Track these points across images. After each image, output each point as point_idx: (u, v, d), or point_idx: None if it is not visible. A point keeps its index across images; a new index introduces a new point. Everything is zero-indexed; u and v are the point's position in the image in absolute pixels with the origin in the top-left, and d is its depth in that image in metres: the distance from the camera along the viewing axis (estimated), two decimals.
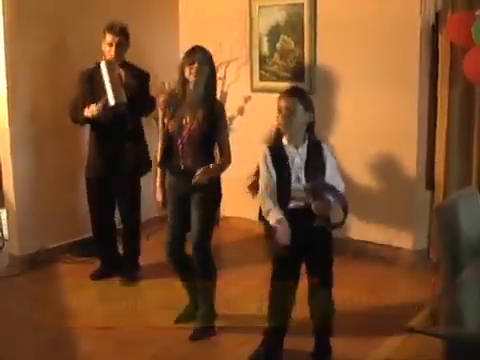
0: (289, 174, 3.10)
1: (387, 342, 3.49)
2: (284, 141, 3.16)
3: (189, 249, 3.66)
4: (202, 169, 3.48)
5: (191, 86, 3.53)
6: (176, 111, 3.59)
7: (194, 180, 3.48)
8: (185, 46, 5.66)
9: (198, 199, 3.59)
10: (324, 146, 3.16)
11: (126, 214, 4.54)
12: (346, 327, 3.62)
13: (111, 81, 4.04)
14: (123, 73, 4.21)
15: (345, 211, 3.04)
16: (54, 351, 3.56)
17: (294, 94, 3.12)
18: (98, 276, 4.55)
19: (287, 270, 3.20)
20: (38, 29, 4.62)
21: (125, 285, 4.42)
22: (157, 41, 5.50)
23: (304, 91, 3.27)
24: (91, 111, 4.15)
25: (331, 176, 3.12)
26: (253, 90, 5.42)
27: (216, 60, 5.39)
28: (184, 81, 3.54)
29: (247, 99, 5.45)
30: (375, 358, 3.39)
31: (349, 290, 4.25)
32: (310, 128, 3.15)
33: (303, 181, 3.09)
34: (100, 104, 4.10)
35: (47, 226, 4.85)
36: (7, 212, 4.82)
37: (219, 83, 5.55)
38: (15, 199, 4.68)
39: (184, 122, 3.56)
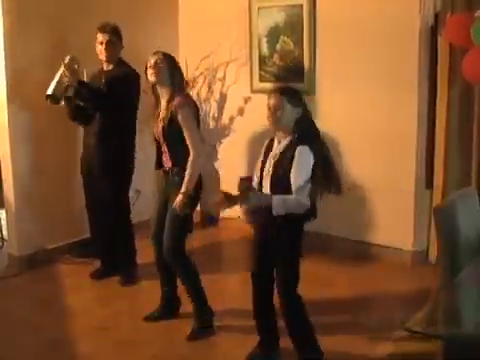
0: (263, 166, 3.19)
1: (385, 342, 3.49)
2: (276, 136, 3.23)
3: None
4: (177, 202, 3.52)
5: (158, 88, 3.62)
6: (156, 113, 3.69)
7: (176, 212, 3.55)
8: (184, 46, 5.74)
9: (174, 200, 3.59)
10: (299, 148, 3.04)
11: (105, 214, 4.49)
12: (345, 327, 3.63)
13: (60, 76, 4.11)
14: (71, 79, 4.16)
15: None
16: (54, 351, 3.56)
17: (280, 92, 3.16)
18: (98, 276, 4.55)
19: (255, 262, 3.30)
20: (38, 29, 4.64)
21: (124, 285, 4.42)
22: (157, 42, 5.49)
23: (291, 89, 3.27)
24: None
25: (292, 182, 3.05)
26: (253, 91, 5.43)
27: (215, 61, 5.47)
28: (152, 85, 3.63)
29: (247, 100, 5.46)
30: (373, 358, 3.40)
31: (347, 290, 4.26)
32: (298, 123, 3.12)
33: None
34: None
35: (46, 227, 4.85)
36: (6, 212, 4.83)
37: (219, 84, 5.58)
38: (14, 199, 4.69)
39: (157, 121, 3.65)
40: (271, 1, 5.19)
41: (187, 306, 3.90)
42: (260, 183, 3.20)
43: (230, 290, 4.17)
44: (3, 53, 4.49)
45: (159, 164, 3.77)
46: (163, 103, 3.63)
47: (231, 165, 5.34)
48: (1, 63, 4.51)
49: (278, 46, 5.22)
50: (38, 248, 4.80)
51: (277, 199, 3.01)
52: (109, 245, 4.60)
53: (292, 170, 3.03)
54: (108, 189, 4.38)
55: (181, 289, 3.89)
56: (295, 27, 5.06)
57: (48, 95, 4.14)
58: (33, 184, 4.77)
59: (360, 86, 4.77)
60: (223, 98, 5.59)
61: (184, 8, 5.80)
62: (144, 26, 5.36)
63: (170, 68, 3.60)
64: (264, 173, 3.17)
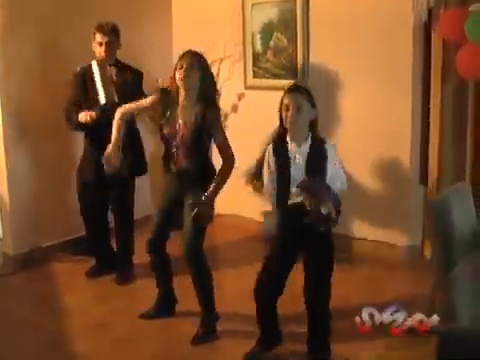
0: (289, 171, 3.10)
1: (382, 338, 3.49)
2: (287, 138, 3.14)
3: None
4: (196, 211, 3.45)
5: (182, 91, 3.55)
6: (171, 114, 3.61)
7: (194, 217, 3.49)
8: (178, 44, 5.73)
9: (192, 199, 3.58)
10: (327, 146, 3.13)
11: (119, 214, 4.51)
12: (340, 324, 3.63)
13: (102, 80, 4.07)
14: (114, 72, 4.19)
15: (337, 210, 3.03)
16: (52, 351, 3.55)
17: (300, 90, 3.14)
18: (93, 274, 4.54)
19: (278, 263, 3.23)
20: (33, 29, 4.61)
21: (120, 284, 4.41)
22: (151, 40, 5.50)
23: (308, 88, 3.26)
24: (89, 116, 4.13)
25: (333, 175, 3.12)
26: (246, 87, 5.42)
27: (209, 58, 5.43)
28: (177, 85, 3.56)
29: (241, 96, 5.45)
30: (370, 354, 3.40)
31: (343, 286, 4.25)
32: (313, 125, 3.14)
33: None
34: (96, 111, 4.12)
35: (41, 225, 4.84)
36: (1, 211, 4.80)
37: None
38: (9, 198, 4.67)
39: (178, 126, 3.58)
40: None
41: (182, 304, 3.92)
42: (284, 191, 3.12)
43: (227, 289, 4.16)
44: None
45: (164, 164, 3.73)
46: (187, 105, 3.55)
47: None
48: None
49: (272, 42, 5.21)
50: (33, 246, 4.79)
51: (340, 193, 3.10)
52: (107, 244, 4.62)
53: (332, 168, 3.09)
54: (128, 190, 4.41)
55: (179, 289, 3.91)
56: (289, 23, 5.05)
57: (104, 104, 4.09)
58: (27, 183, 4.75)
59: (354, 82, 4.77)
60: (218, 94, 5.57)
61: (177, 5, 5.79)
62: (139, 25, 5.34)
63: (201, 73, 3.52)
64: (292, 180, 3.09)
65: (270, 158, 3.18)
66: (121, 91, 4.17)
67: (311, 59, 5.00)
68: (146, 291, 4.13)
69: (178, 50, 5.55)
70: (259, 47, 5.29)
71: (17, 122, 4.64)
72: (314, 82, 4.98)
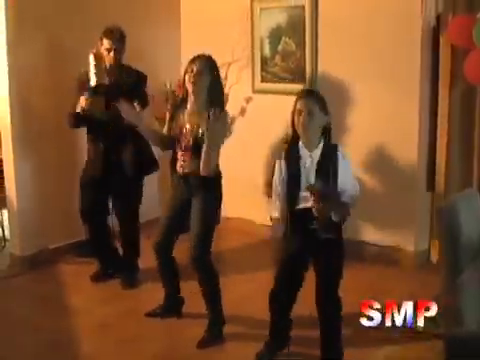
0: (299, 175, 3.10)
1: (388, 342, 3.49)
2: (300, 143, 3.14)
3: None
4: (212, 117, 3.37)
5: (191, 95, 3.54)
6: (179, 117, 3.61)
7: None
8: (186, 47, 5.75)
9: (198, 206, 3.59)
10: (339, 151, 3.11)
11: (124, 215, 4.48)
12: (347, 327, 3.62)
13: (95, 67, 4.00)
14: (108, 64, 4.14)
15: (343, 219, 3.07)
16: (54, 351, 3.56)
17: (312, 96, 3.16)
18: (98, 278, 4.54)
19: (290, 269, 3.22)
20: (39, 32, 4.63)
21: (125, 288, 4.40)
22: (159, 43, 5.52)
23: (320, 93, 3.26)
24: (80, 103, 4.07)
25: (344, 181, 3.08)
26: (254, 91, 5.43)
27: (217, 62, 5.43)
28: (186, 89, 3.55)
29: (248, 100, 5.45)
30: (377, 358, 3.40)
31: (350, 291, 4.24)
32: (326, 131, 3.14)
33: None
34: (86, 93, 4.05)
35: (48, 226, 4.85)
36: (9, 212, 4.84)
37: None
38: (17, 200, 4.69)
39: (184, 130, 3.57)
40: (273, 2, 5.20)
41: (190, 307, 3.92)
42: (295, 195, 3.12)
43: (234, 293, 4.15)
44: (6, 56, 4.49)
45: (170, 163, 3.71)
46: (194, 110, 3.54)
47: (233, 166, 5.36)
48: (4, 67, 4.51)
49: (280, 47, 5.22)
50: (40, 248, 4.81)
51: (350, 200, 3.10)
52: (108, 246, 4.60)
53: (342, 178, 3.05)
54: (135, 189, 4.39)
55: (187, 291, 3.91)
56: (297, 28, 5.06)
57: (94, 86, 4.01)
58: (35, 184, 4.77)
59: (362, 87, 4.77)
60: (225, 98, 5.58)
61: (186, 9, 5.81)
62: (146, 28, 5.35)
63: (211, 78, 3.52)
64: (302, 185, 3.08)
65: (282, 160, 3.17)
66: (119, 93, 4.02)
67: (319, 64, 5.00)
68: (151, 293, 4.14)
69: (186, 54, 5.60)
70: (267, 51, 5.30)
71: (25, 124, 4.66)
72: (322, 86, 4.98)
